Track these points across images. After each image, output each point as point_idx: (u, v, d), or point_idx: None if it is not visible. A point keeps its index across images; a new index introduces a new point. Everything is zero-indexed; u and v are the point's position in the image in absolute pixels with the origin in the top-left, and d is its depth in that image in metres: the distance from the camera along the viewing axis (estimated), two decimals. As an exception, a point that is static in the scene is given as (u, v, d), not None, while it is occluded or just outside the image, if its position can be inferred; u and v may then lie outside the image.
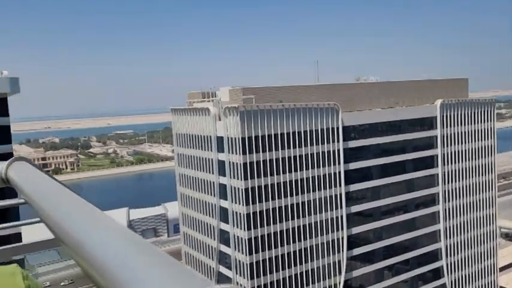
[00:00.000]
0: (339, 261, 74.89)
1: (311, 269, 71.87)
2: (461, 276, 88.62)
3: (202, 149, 74.86)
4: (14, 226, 2.41)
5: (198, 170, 76.92)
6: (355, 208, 76.72)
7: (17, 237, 47.54)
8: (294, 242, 70.09)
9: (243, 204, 66.06)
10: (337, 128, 74.06)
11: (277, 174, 68.67)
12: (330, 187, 73.63)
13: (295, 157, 70.43)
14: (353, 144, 76.18)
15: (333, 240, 74.02)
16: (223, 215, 71.01)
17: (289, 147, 70.00)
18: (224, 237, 72.04)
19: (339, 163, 74.17)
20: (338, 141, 74.09)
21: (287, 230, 69.60)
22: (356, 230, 76.53)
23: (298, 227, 70.61)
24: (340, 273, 74.90)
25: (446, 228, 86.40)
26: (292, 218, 70.05)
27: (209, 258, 76.58)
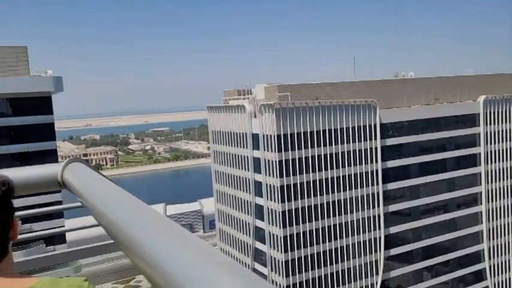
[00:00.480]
0: (376, 261, 73.52)
1: (347, 268, 70.93)
2: (506, 280, 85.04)
3: (237, 146, 75.23)
4: (73, 230, 2.38)
5: (233, 167, 77.37)
6: (393, 207, 75.06)
7: (61, 238, 49.33)
8: (329, 240, 69.36)
9: (278, 202, 65.93)
10: (375, 125, 72.61)
11: (312, 171, 68.08)
12: (367, 185, 72.34)
13: (331, 155, 69.59)
14: (391, 141, 74.50)
15: (369, 240, 72.74)
16: (259, 212, 71.15)
17: (325, 145, 69.25)
18: (259, 235, 72.20)
19: (376, 161, 72.74)
20: (375, 138, 72.65)
21: (323, 228, 68.95)
22: (394, 229, 74.87)
23: (334, 226, 69.80)
24: (377, 273, 73.54)
25: (489, 230, 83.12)
26: (328, 217, 69.32)
27: (244, 255, 76.98)
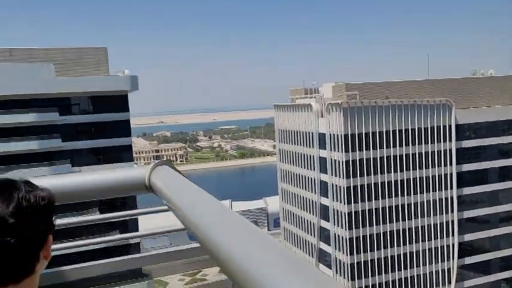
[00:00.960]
0: (449, 269, 69.68)
1: (416, 275, 67.89)
2: None
3: (303, 145, 74.76)
4: (161, 233, 2.42)
5: (299, 166, 77.01)
6: (469, 213, 70.66)
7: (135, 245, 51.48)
8: (398, 245, 66.80)
9: (344, 203, 64.62)
10: (450, 126, 68.78)
11: (381, 173, 65.95)
12: (440, 189, 68.77)
13: (401, 156, 66.98)
14: (468, 144, 70.12)
15: (442, 247, 69.07)
16: (324, 212, 70.21)
17: (395, 146, 66.82)
18: (324, 235, 71.26)
19: (451, 164, 68.86)
20: (450, 140, 68.80)
21: (390, 232, 66.56)
22: (469, 237, 70.48)
23: (403, 230, 67.12)
24: (449, 282, 69.69)
25: None
26: (397, 220, 66.79)
27: (309, 255, 76.37)
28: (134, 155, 55.69)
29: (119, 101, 49.50)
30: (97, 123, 48.99)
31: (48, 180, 2.01)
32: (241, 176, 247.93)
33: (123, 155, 50.32)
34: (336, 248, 67.74)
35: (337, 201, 66.35)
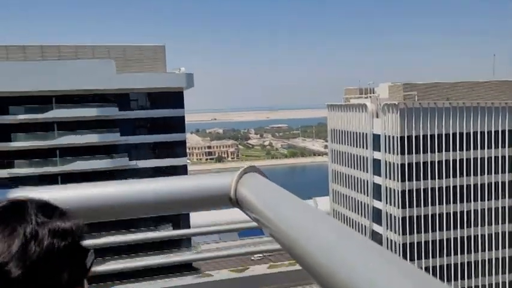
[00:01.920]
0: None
1: (481, 285, 64.24)
2: None
3: (357, 146, 73.00)
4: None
5: (351, 167, 75.32)
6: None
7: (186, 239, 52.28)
8: (455, 254, 63.57)
9: (398, 207, 62.38)
10: (516, 131, 64.54)
11: (439, 178, 63.08)
12: (503, 197, 64.70)
13: (461, 160, 63.72)
14: (536, 149, 65.48)
15: (510, 257, 64.89)
16: (377, 215, 68.20)
17: (454, 150, 63.66)
18: (377, 239, 69.14)
19: (516, 171, 64.61)
20: (516, 145, 64.55)
21: (447, 239, 63.50)
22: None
23: (462, 238, 63.80)
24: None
25: None
26: (455, 228, 63.58)
27: (359, 258, 74.62)
28: (187, 150, 56.80)
29: (175, 98, 50.59)
30: (153, 119, 50.35)
31: (86, 189, 1.51)
32: (291, 175, 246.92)
33: (177, 150, 51.43)
34: (388, 253, 65.59)
35: (390, 204, 64.21)
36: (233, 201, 1.48)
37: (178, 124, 50.89)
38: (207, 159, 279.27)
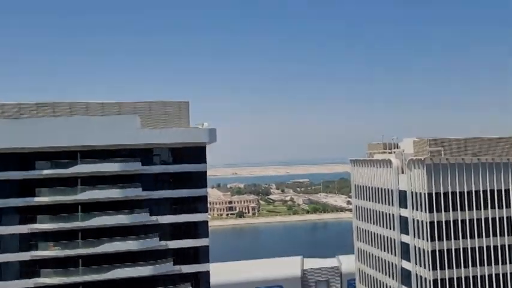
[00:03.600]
0: None
1: None
2: None
3: (382, 202, 70.83)
4: None
5: (377, 224, 72.68)
6: None
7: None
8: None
9: (429, 269, 59.00)
10: (551, 188, 61.70)
11: (470, 237, 60.03)
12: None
13: (494, 219, 60.88)
14: None
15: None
16: (406, 278, 64.54)
17: (485, 208, 61.08)
18: (406, 303, 65.13)
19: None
20: (552, 203, 61.45)
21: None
22: None
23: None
24: None
25: None
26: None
27: (387, 323, 70.01)
28: (208, 205, 55.89)
29: (197, 153, 50.52)
30: (175, 174, 50.07)
31: None
32: (313, 232, 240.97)
33: (199, 205, 50.60)
34: (419, 319, 61.38)
35: (420, 266, 60.89)
36: None
37: (200, 179, 50.41)
38: (227, 214, 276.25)
